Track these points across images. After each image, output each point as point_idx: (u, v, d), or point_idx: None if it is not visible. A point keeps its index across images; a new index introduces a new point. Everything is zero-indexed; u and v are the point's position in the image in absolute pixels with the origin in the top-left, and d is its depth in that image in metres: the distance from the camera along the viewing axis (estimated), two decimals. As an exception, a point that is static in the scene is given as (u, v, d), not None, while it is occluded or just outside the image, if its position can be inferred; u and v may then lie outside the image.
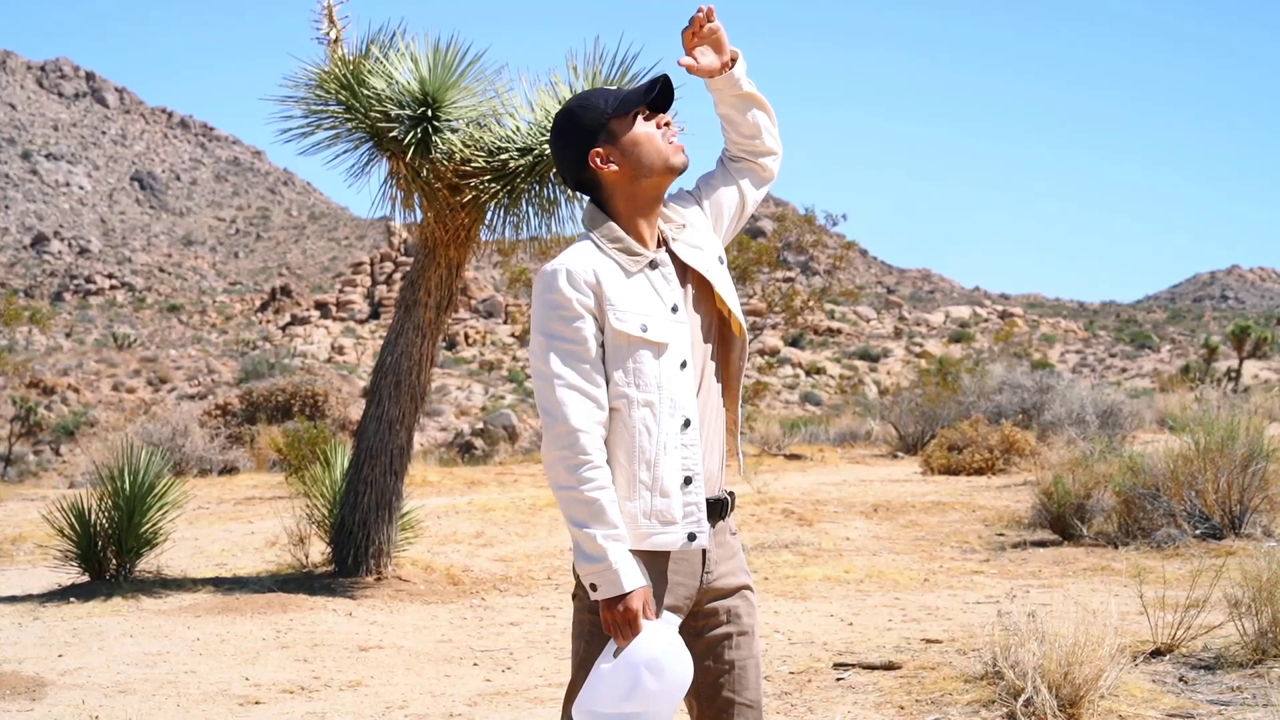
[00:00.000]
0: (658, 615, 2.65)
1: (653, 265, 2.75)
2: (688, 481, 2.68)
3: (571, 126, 2.76)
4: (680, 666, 2.59)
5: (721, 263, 2.87)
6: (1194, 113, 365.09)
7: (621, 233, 2.75)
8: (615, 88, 2.82)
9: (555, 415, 2.61)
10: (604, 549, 2.56)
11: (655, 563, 2.69)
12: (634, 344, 2.67)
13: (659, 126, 2.77)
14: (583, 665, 2.71)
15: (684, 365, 2.71)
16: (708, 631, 2.79)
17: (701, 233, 2.87)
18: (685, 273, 2.81)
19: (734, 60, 2.89)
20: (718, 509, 2.77)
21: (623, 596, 2.56)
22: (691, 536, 2.69)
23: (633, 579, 2.57)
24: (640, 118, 2.77)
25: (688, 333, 2.74)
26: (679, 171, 2.78)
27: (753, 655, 2.81)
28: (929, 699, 5.17)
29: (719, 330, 2.85)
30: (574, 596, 2.78)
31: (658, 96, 2.79)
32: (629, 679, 2.56)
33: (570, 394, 2.62)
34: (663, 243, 2.82)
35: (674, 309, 2.73)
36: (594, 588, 2.59)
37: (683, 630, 2.78)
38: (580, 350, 2.64)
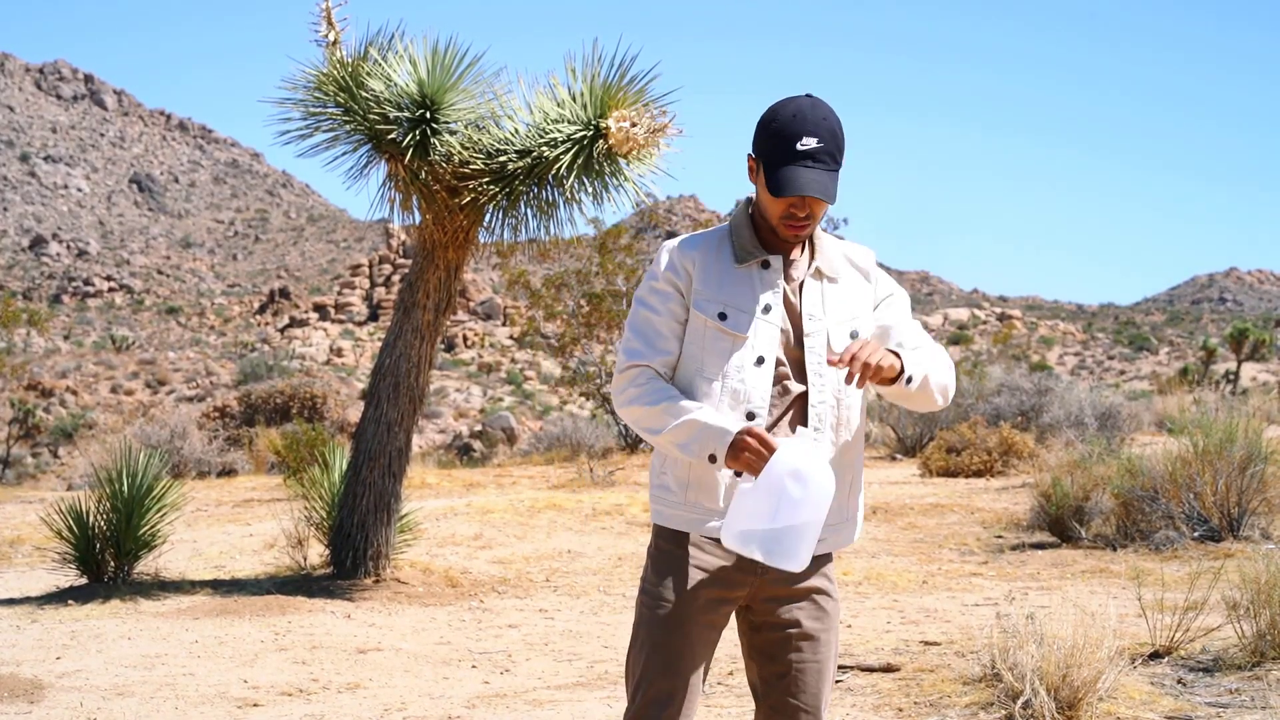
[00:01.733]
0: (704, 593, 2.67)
1: (765, 265, 2.77)
2: (739, 473, 2.67)
3: (768, 121, 2.71)
4: (823, 474, 2.56)
5: (854, 336, 2.76)
6: (1193, 114, 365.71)
7: (748, 227, 2.79)
8: (811, 149, 2.66)
9: (619, 363, 2.75)
10: (692, 422, 2.62)
11: (682, 542, 2.74)
12: (709, 330, 2.72)
13: (788, 207, 2.69)
14: (637, 645, 2.77)
15: (760, 362, 2.71)
16: (766, 631, 2.78)
17: (844, 297, 2.80)
18: (800, 291, 2.78)
19: (902, 372, 2.68)
20: None
21: (738, 437, 2.58)
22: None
23: (736, 421, 2.63)
24: None
25: (775, 335, 2.73)
26: (782, 235, 2.75)
27: (815, 660, 2.77)
28: (927, 701, 5.17)
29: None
30: (641, 581, 2.82)
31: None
32: (773, 493, 2.54)
33: (629, 347, 2.76)
34: (811, 263, 2.79)
35: (766, 309, 2.74)
36: (713, 459, 2.61)
37: (744, 624, 2.80)
38: (656, 320, 2.75)
